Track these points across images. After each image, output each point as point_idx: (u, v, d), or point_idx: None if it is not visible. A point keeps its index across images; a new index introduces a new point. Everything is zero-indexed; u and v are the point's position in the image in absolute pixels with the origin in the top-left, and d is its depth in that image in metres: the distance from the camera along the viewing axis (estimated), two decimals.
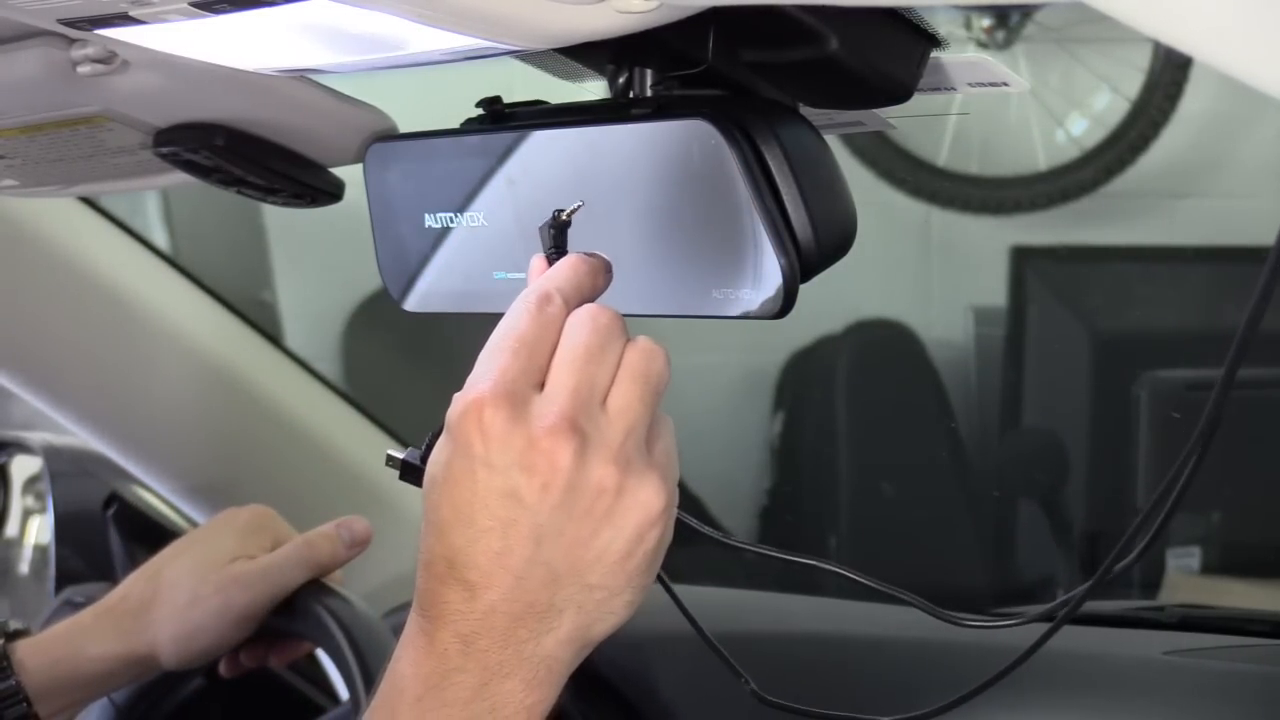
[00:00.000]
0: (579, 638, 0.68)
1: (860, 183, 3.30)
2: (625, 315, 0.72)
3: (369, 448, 1.48)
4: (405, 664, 0.68)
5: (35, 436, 1.76)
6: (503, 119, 0.75)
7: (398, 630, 1.12)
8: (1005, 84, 0.68)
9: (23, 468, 1.85)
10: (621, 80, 0.67)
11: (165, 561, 1.10)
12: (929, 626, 1.20)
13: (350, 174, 0.86)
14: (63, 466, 1.68)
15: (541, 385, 0.67)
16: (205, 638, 1.07)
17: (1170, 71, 3.37)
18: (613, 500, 0.66)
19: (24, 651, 1.04)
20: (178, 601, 1.07)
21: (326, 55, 0.71)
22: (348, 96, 0.81)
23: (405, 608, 1.28)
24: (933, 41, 0.64)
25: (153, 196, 2.63)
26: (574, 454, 0.65)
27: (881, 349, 3.29)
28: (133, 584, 1.09)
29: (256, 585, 1.07)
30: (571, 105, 0.73)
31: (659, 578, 0.73)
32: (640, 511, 0.67)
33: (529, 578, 0.66)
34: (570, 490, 0.66)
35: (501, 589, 0.66)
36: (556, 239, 0.71)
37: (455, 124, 0.77)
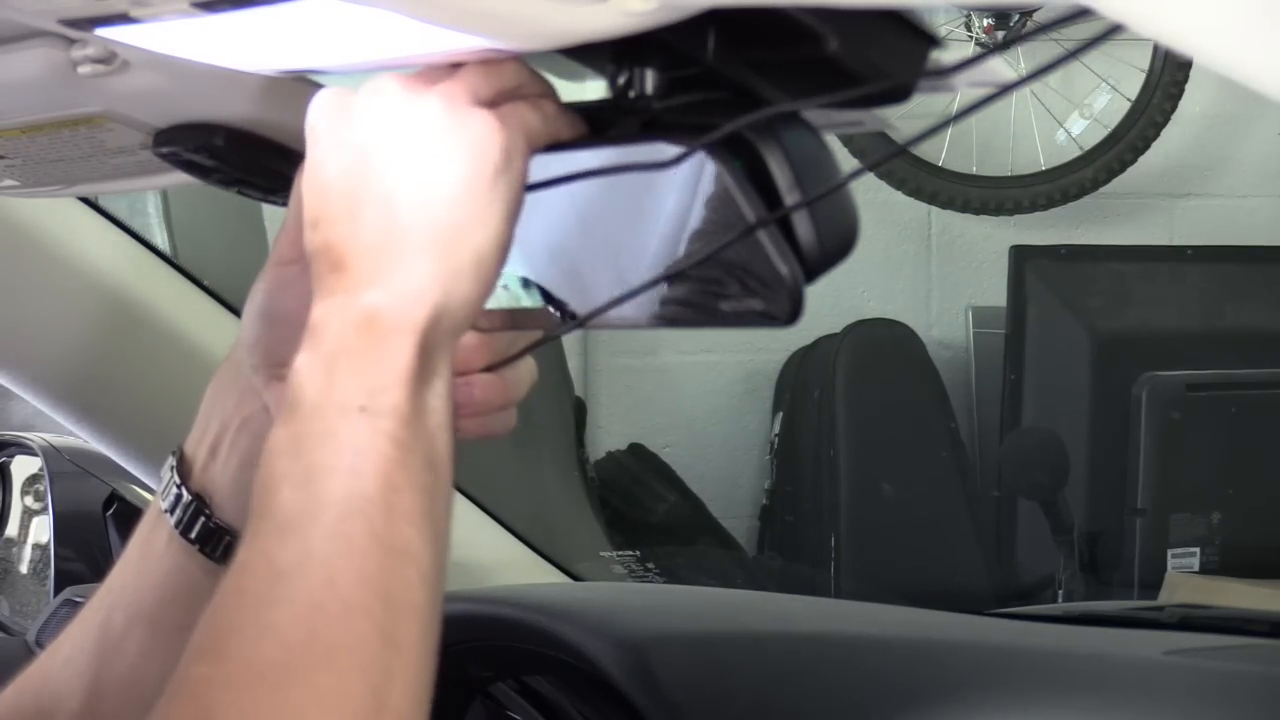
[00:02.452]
0: (435, 255, 0.67)
1: (860, 183, 3.29)
2: (631, 329, 0.72)
3: None
4: (294, 362, 0.68)
5: (35, 436, 1.76)
6: None
7: None
8: (1004, 84, 0.68)
9: (23, 468, 1.85)
10: (622, 80, 0.67)
11: None
12: (929, 626, 1.20)
13: None
14: (63, 466, 1.68)
15: None
16: None
17: (1170, 71, 3.37)
18: (442, 121, 0.67)
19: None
20: None
21: (326, 55, 0.71)
22: None
23: None
24: (932, 42, 0.64)
25: (153, 196, 2.63)
26: (400, 86, 0.68)
27: (881, 349, 3.29)
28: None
29: None
30: (571, 106, 0.73)
31: None
32: (471, 132, 0.67)
33: (370, 206, 0.68)
34: (398, 117, 0.68)
35: (348, 226, 0.68)
36: None
37: None
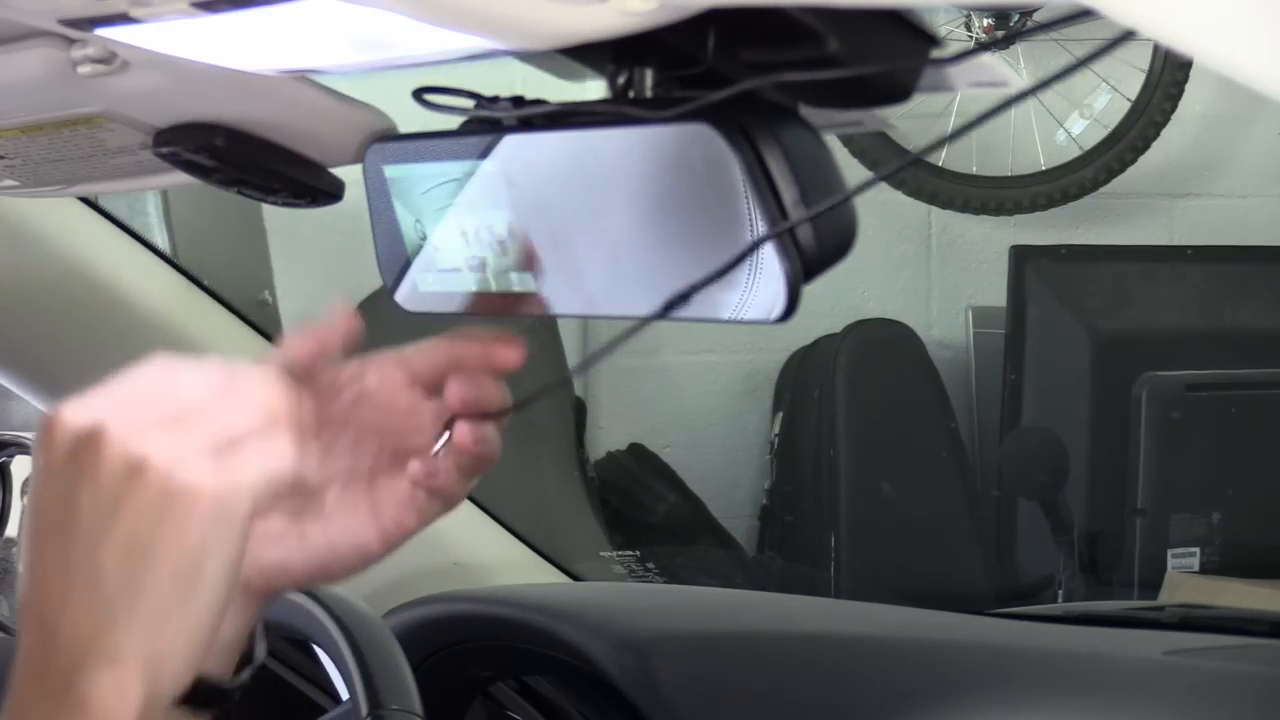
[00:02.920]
0: (144, 642, 0.66)
1: None
2: (628, 319, 0.72)
3: None
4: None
5: (35, 437, 1.75)
6: (502, 120, 0.75)
7: (398, 630, 1.12)
8: (1004, 84, 0.68)
9: (23, 468, 1.85)
10: (621, 80, 0.67)
11: None
12: (929, 626, 1.20)
13: (350, 174, 0.86)
14: None
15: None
16: None
17: (1170, 71, 3.37)
18: (156, 498, 0.66)
19: None
20: None
21: (326, 55, 0.71)
22: (347, 96, 0.81)
23: (405, 608, 1.29)
24: (932, 42, 0.64)
25: (153, 196, 2.63)
26: (119, 447, 0.66)
27: (881, 349, 3.29)
28: None
29: None
30: (572, 107, 0.73)
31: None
32: (175, 505, 0.66)
33: (79, 582, 0.66)
34: (115, 485, 0.66)
35: (58, 601, 0.66)
36: None
37: (454, 124, 0.77)
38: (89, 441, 0.67)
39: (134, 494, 0.66)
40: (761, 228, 0.65)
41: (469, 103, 0.74)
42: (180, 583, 0.66)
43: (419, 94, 0.73)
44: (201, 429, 0.68)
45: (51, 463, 0.68)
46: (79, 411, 0.68)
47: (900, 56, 0.63)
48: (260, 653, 0.83)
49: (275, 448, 0.69)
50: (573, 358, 3.22)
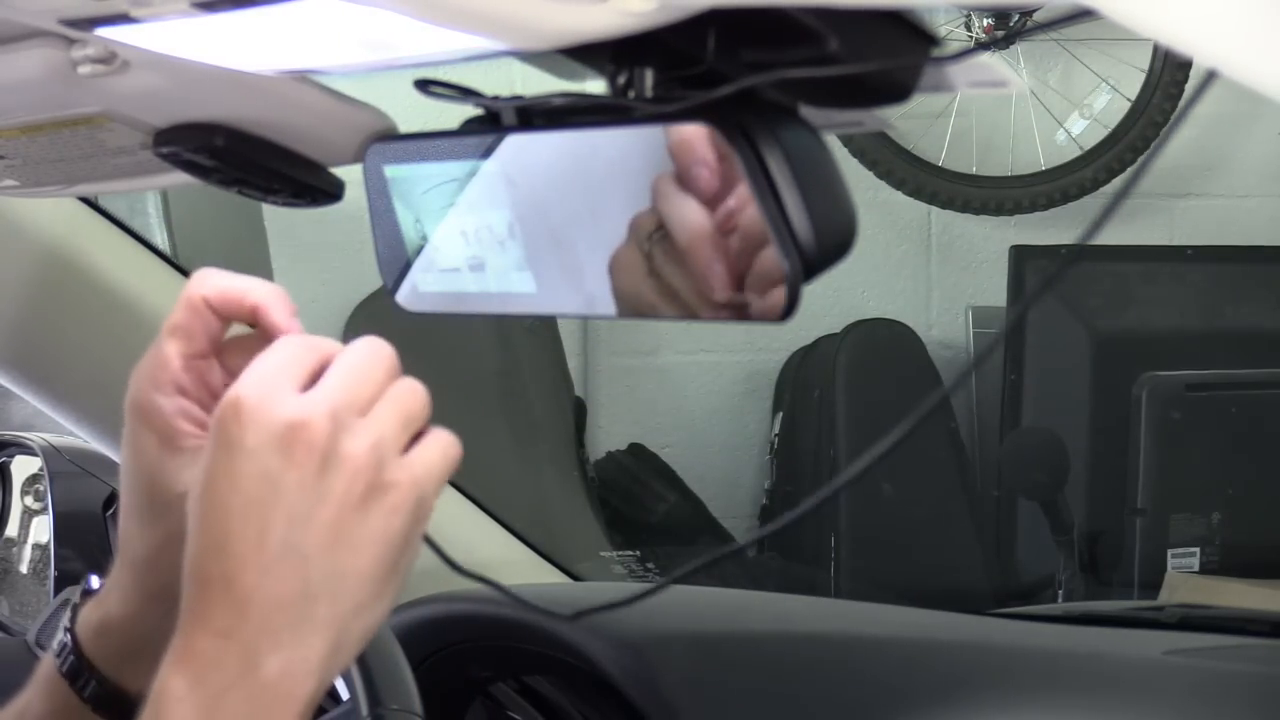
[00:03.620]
0: (337, 627, 0.68)
1: (860, 183, 3.30)
2: (628, 319, 0.72)
3: None
4: (165, 679, 0.68)
5: (35, 436, 1.76)
6: (502, 119, 0.75)
7: (398, 630, 1.12)
8: (1004, 84, 0.68)
9: (23, 468, 1.85)
10: (621, 80, 0.67)
11: None
12: (929, 626, 1.20)
13: (350, 174, 0.86)
14: (63, 466, 1.68)
15: (304, 390, 0.70)
16: None
17: (1170, 71, 3.37)
18: (364, 489, 0.68)
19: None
20: None
21: (326, 55, 0.71)
22: (347, 96, 0.81)
23: (405, 608, 1.28)
24: (932, 41, 0.64)
25: (153, 196, 2.63)
26: (328, 437, 0.68)
27: (881, 349, 3.29)
28: None
29: None
30: (572, 106, 0.73)
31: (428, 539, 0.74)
32: (382, 498, 0.68)
33: (283, 561, 0.67)
34: (324, 472, 0.68)
35: (256, 573, 0.67)
36: None
37: (454, 124, 0.77)
38: (300, 429, 0.68)
39: (343, 483, 0.68)
40: (764, 228, 0.65)
41: (469, 96, 0.74)
42: (380, 574, 0.69)
43: (421, 84, 0.73)
44: (390, 417, 0.70)
45: (250, 443, 0.68)
46: (272, 395, 0.69)
47: (900, 56, 0.63)
48: None
49: (444, 439, 0.73)
50: (573, 358, 3.22)
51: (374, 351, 0.73)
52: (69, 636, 0.83)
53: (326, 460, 0.68)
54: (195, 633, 0.67)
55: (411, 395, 0.72)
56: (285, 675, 0.67)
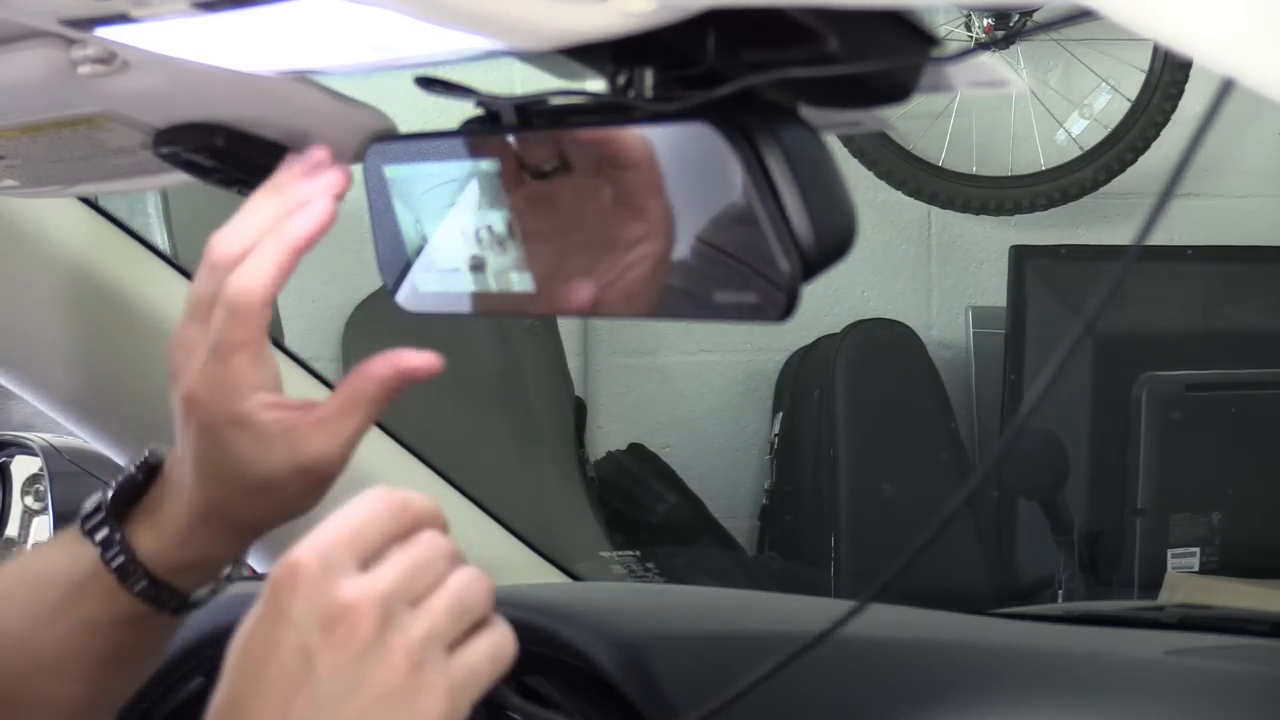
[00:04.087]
0: None
1: (860, 183, 3.30)
2: (630, 319, 0.72)
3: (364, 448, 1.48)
4: None
5: (35, 436, 1.76)
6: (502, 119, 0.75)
7: None
8: (1004, 84, 0.68)
9: (23, 468, 1.85)
10: (621, 80, 0.67)
11: None
12: (929, 626, 1.20)
13: (350, 174, 0.86)
14: (63, 466, 1.68)
15: (364, 569, 0.69)
16: None
17: (1170, 71, 3.37)
18: (397, 687, 0.67)
19: None
20: None
21: (326, 55, 0.71)
22: (347, 96, 0.81)
23: None
24: (932, 41, 0.64)
25: (153, 196, 2.63)
26: (374, 628, 0.67)
27: (881, 349, 3.29)
28: None
29: None
30: (572, 107, 0.73)
31: None
32: (415, 699, 0.68)
33: None
34: (361, 661, 0.67)
35: None
36: None
37: (454, 124, 0.77)
38: (347, 613, 0.67)
39: (380, 675, 0.67)
40: (763, 228, 0.65)
41: (469, 95, 0.74)
42: None
43: (421, 81, 0.73)
44: (443, 613, 0.70)
45: (296, 614, 0.68)
46: (331, 570, 0.68)
47: (900, 56, 0.63)
48: (237, 578, 0.86)
49: (497, 639, 0.72)
50: (573, 358, 3.22)
51: (435, 541, 0.72)
52: (115, 535, 0.83)
53: (366, 651, 0.67)
54: None
55: (470, 587, 0.71)
56: None
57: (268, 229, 0.79)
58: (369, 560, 0.70)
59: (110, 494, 0.85)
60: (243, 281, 0.79)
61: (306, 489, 0.82)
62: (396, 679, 0.67)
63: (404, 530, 0.71)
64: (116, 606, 0.83)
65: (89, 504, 0.85)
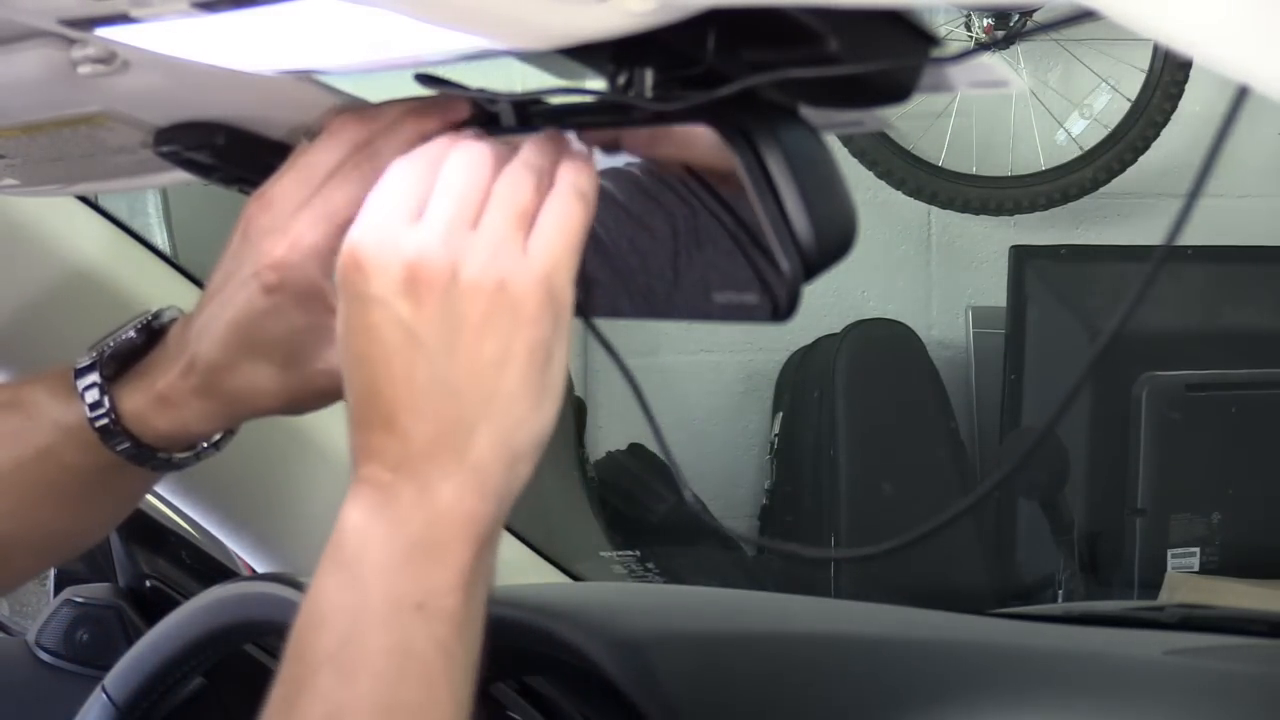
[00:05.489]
0: (502, 445, 0.69)
1: (860, 183, 3.30)
2: (629, 320, 0.73)
3: None
4: (346, 514, 0.70)
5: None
6: (501, 119, 0.75)
7: None
8: (1004, 84, 0.68)
9: None
10: (622, 80, 0.67)
11: None
12: (929, 626, 1.20)
13: None
14: None
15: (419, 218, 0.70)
16: None
17: (1170, 71, 3.37)
18: (491, 310, 0.68)
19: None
20: None
21: (326, 55, 0.71)
22: (348, 94, 0.81)
23: None
24: (932, 42, 0.64)
25: (153, 196, 2.63)
26: (446, 269, 0.68)
27: (881, 349, 3.29)
28: None
29: None
30: (572, 106, 0.73)
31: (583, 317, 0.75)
32: (513, 312, 0.69)
33: (432, 395, 0.68)
34: (450, 303, 0.68)
35: (411, 412, 0.68)
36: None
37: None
38: (416, 269, 0.68)
39: (473, 311, 0.68)
40: (763, 229, 0.65)
41: (469, 91, 0.74)
42: (531, 385, 0.70)
43: (421, 78, 0.73)
44: (500, 222, 0.70)
45: (375, 292, 0.69)
46: (386, 239, 0.69)
47: (900, 56, 0.63)
48: (222, 447, 0.87)
49: (563, 199, 0.71)
50: (573, 357, 3.21)
51: (470, 159, 0.71)
52: (104, 398, 0.84)
53: (449, 291, 0.68)
54: (369, 470, 0.69)
55: (515, 185, 0.71)
56: (460, 498, 0.68)
57: None
58: (419, 211, 0.70)
59: (106, 352, 0.85)
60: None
61: (327, 388, 0.82)
62: (486, 302, 0.68)
63: (432, 169, 0.71)
64: (99, 458, 0.84)
65: (83, 359, 0.85)
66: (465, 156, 0.71)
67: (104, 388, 0.84)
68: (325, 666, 0.67)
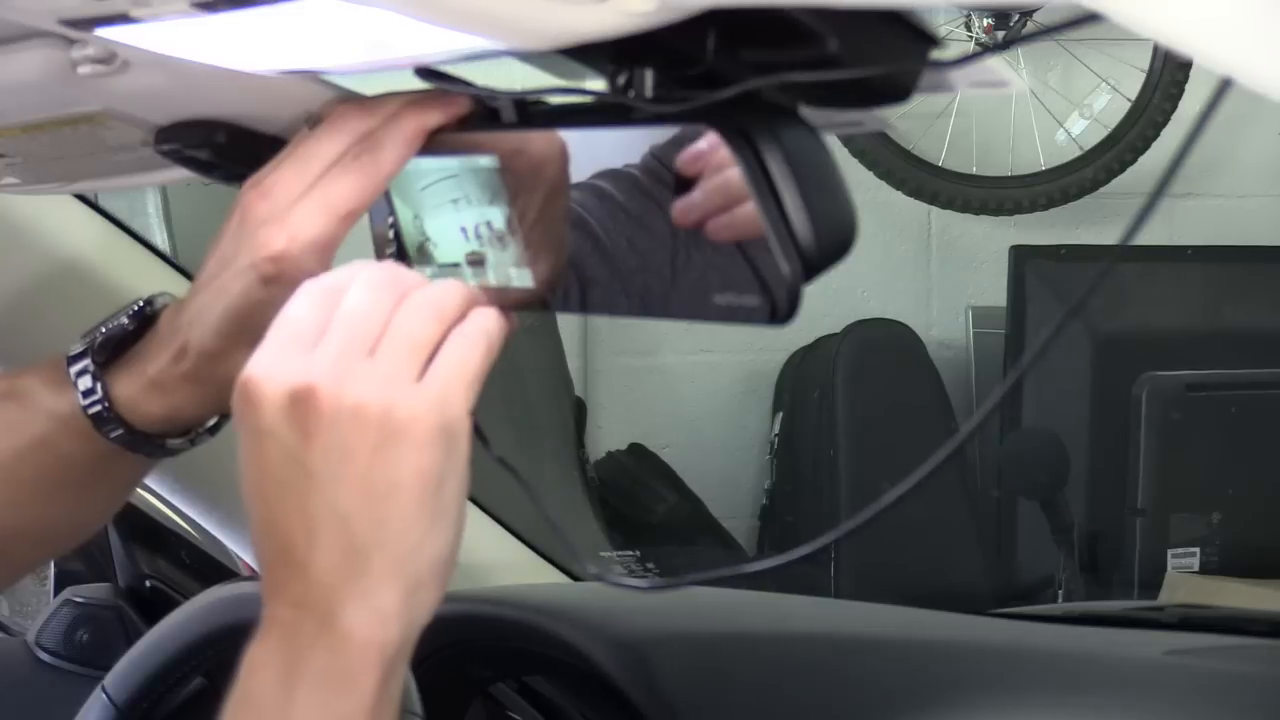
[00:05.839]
0: (399, 571, 0.69)
1: (860, 183, 3.30)
2: (629, 319, 0.73)
3: None
4: (252, 650, 0.70)
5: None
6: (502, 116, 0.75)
7: None
8: (1004, 84, 0.68)
9: None
10: (622, 80, 0.67)
11: None
12: (929, 626, 1.20)
13: None
14: None
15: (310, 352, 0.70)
16: None
17: (1170, 71, 3.37)
18: (380, 438, 0.68)
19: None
20: None
21: (326, 55, 0.71)
22: (348, 91, 0.81)
23: None
24: (932, 42, 0.64)
25: (153, 196, 2.63)
26: (333, 398, 0.68)
27: (881, 349, 3.29)
28: None
29: None
30: (573, 106, 0.73)
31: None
32: (401, 440, 0.68)
33: (325, 525, 0.68)
34: (338, 429, 0.68)
35: (307, 544, 0.68)
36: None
37: None
38: (303, 397, 0.68)
39: (361, 438, 0.68)
40: (764, 230, 0.65)
41: (469, 88, 0.74)
42: (425, 511, 0.69)
43: (421, 72, 0.73)
44: (398, 350, 0.69)
45: (265, 424, 0.69)
46: (276, 369, 0.69)
47: (900, 57, 0.63)
48: (216, 432, 0.87)
49: (466, 337, 0.71)
50: (573, 358, 3.22)
51: (375, 283, 0.71)
52: (97, 385, 0.83)
53: (336, 419, 0.68)
54: (273, 605, 0.69)
55: (417, 315, 0.70)
56: (360, 627, 0.68)
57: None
58: (314, 340, 0.70)
59: (98, 339, 0.85)
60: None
61: None
62: (375, 430, 0.68)
63: (334, 297, 0.71)
64: (95, 445, 0.84)
65: (76, 346, 0.85)
66: (368, 284, 0.71)
67: (96, 374, 0.83)
68: None
